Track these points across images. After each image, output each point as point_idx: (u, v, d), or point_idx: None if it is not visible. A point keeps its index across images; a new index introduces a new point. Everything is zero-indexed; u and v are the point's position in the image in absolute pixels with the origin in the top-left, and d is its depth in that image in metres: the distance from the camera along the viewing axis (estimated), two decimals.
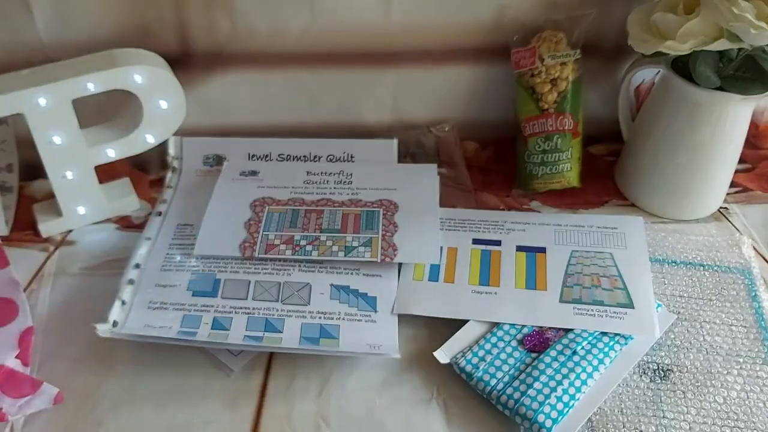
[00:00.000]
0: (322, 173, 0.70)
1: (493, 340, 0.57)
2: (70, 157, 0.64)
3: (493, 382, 0.54)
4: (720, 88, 0.62)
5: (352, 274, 0.62)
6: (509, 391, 0.53)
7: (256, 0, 0.67)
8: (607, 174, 0.76)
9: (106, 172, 0.68)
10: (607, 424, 0.53)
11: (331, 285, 0.61)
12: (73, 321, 0.59)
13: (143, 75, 0.63)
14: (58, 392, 0.53)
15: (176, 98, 0.66)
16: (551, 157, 0.69)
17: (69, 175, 0.65)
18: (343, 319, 0.58)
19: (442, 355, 0.56)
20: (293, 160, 0.73)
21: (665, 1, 0.63)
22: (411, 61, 0.72)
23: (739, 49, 0.62)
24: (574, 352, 0.55)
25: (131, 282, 0.60)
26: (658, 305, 0.60)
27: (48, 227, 0.67)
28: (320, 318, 0.58)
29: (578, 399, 0.53)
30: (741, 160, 0.70)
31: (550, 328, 0.58)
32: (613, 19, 0.71)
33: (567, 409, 0.52)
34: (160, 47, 0.67)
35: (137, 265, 0.61)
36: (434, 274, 0.62)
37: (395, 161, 0.73)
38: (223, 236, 0.63)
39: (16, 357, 0.55)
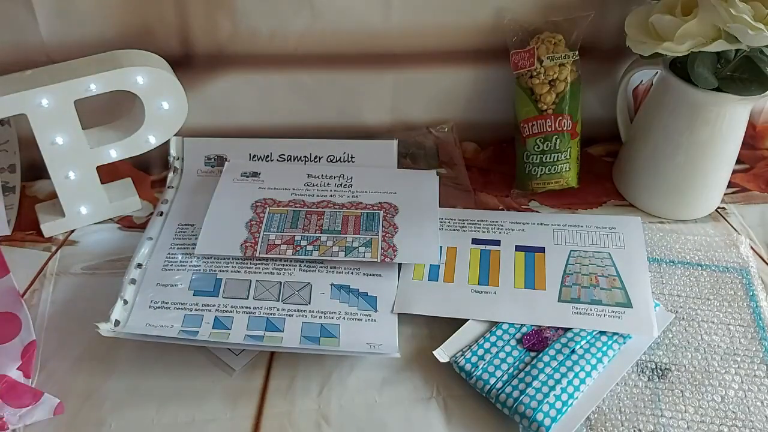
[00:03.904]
0: (322, 176, 0.71)
1: (493, 339, 0.57)
2: (73, 157, 0.65)
3: (493, 380, 0.54)
4: (718, 89, 0.63)
5: (352, 273, 0.62)
6: (508, 389, 0.54)
7: (257, 1, 0.67)
8: (606, 174, 0.77)
9: (108, 173, 0.69)
10: (605, 422, 0.53)
11: (332, 284, 0.61)
12: (75, 320, 0.59)
13: (145, 76, 0.63)
14: (58, 403, 0.53)
15: (178, 99, 0.66)
16: (550, 157, 0.70)
17: (71, 175, 0.65)
18: (344, 318, 0.59)
19: (442, 354, 0.57)
20: (294, 160, 0.73)
21: (663, 2, 0.63)
22: (411, 62, 0.73)
23: (737, 50, 0.62)
24: (573, 351, 0.56)
25: (133, 281, 0.60)
26: (656, 305, 0.60)
27: (50, 227, 0.68)
28: (321, 317, 0.59)
29: (577, 398, 0.53)
30: (738, 161, 0.70)
31: (548, 327, 0.58)
32: (611, 21, 0.71)
33: (566, 407, 0.53)
34: (162, 48, 0.67)
35: (139, 265, 0.62)
36: (434, 273, 0.63)
37: (395, 162, 0.73)
38: (224, 236, 0.63)
39: (18, 369, 0.55)
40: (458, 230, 0.67)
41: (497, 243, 0.65)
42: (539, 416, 0.52)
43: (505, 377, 0.55)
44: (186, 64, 0.70)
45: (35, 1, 0.64)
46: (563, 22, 0.70)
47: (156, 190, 0.74)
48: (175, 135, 0.69)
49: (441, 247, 0.64)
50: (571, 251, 0.64)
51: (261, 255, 0.62)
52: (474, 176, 0.76)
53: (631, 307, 0.59)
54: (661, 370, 0.57)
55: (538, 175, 0.70)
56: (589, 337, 0.57)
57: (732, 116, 0.65)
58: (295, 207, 0.67)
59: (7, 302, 0.60)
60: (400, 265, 0.63)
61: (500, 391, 0.54)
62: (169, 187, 0.71)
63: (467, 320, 0.59)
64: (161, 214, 0.67)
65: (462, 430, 0.53)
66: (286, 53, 0.71)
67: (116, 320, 0.57)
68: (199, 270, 0.62)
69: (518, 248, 0.65)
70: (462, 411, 0.55)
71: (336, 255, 0.62)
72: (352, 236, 0.63)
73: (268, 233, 0.64)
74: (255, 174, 0.71)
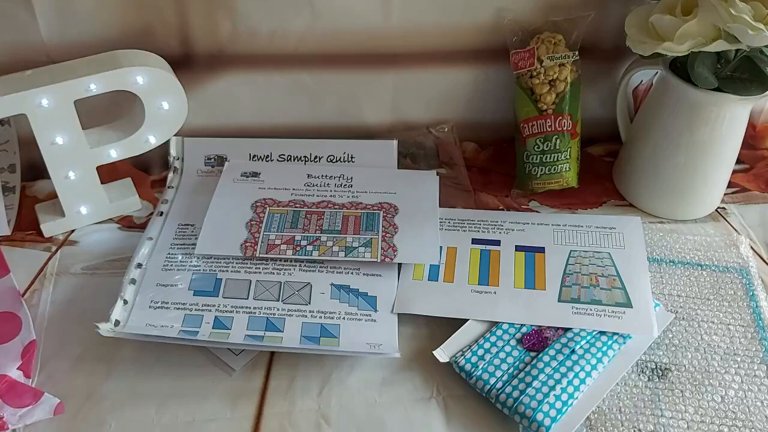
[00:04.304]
0: (322, 176, 0.71)
1: (492, 339, 0.57)
2: (73, 157, 0.65)
3: (493, 380, 0.54)
4: (718, 89, 0.63)
5: (352, 273, 0.62)
6: (508, 389, 0.54)
7: (257, 1, 0.67)
8: (606, 174, 0.77)
9: (108, 173, 0.69)
10: (605, 422, 0.53)
11: (332, 284, 0.61)
12: (75, 320, 0.59)
13: (145, 76, 0.63)
14: (58, 403, 0.53)
15: (178, 99, 0.66)
16: (550, 157, 0.70)
17: (71, 175, 0.65)
18: (344, 318, 0.59)
19: (442, 354, 0.57)
20: (294, 160, 0.73)
21: (663, 2, 0.63)
22: (411, 62, 0.73)
23: (737, 50, 0.62)
24: (573, 351, 0.56)
25: (133, 281, 0.60)
26: (656, 305, 0.60)
27: (50, 227, 0.68)
28: (321, 317, 0.59)
29: (577, 398, 0.53)
30: (738, 161, 0.70)
31: (548, 327, 0.58)
32: (611, 21, 0.71)
33: (566, 407, 0.53)
34: (162, 48, 0.67)
35: (139, 265, 0.62)
36: (434, 273, 0.63)
37: (395, 162, 0.73)
38: (224, 236, 0.63)
39: (19, 368, 0.55)
40: (458, 230, 0.67)
41: (497, 243, 0.65)
42: (539, 416, 0.52)
43: (505, 377, 0.55)
44: (186, 64, 0.70)
45: (35, 1, 0.64)
46: (563, 22, 0.70)
47: (156, 190, 0.74)
48: (175, 135, 0.69)
49: (441, 247, 0.64)
50: (571, 251, 0.64)
51: (261, 255, 0.62)
52: (474, 176, 0.76)
53: (631, 307, 0.59)
54: (661, 370, 0.57)
55: (538, 175, 0.70)
56: (589, 337, 0.57)
57: (732, 116, 0.65)
58: (295, 207, 0.67)
59: (7, 302, 0.60)
60: (400, 265, 0.63)
61: (500, 391, 0.54)
62: (169, 187, 0.71)
63: (467, 320, 0.59)
64: (161, 214, 0.67)
65: (462, 430, 0.53)
66: (286, 53, 0.71)
67: (116, 320, 0.57)
68: (199, 270, 0.62)
69: (518, 248, 0.65)
70: (462, 411, 0.55)
71: (336, 255, 0.62)
72: (352, 236, 0.63)
73: (268, 233, 0.64)
74: (255, 174, 0.71)
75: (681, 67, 0.65)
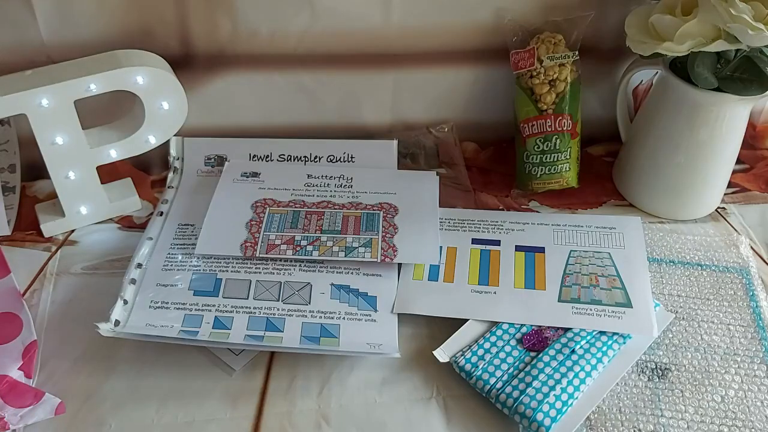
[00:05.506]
0: (322, 176, 0.71)
1: (492, 339, 0.57)
2: (73, 157, 0.65)
3: (493, 380, 0.54)
4: (718, 89, 0.63)
5: (352, 273, 0.62)
6: (508, 389, 0.54)
7: (257, 1, 0.67)
8: (606, 174, 0.77)
9: (108, 173, 0.69)
10: (605, 422, 0.53)
11: (332, 284, 0.61)
12: (75, 320, 0.59)
13: (145, 76, 0.63)
14: (59, 403, 0.53)
15: (178, 99, 0.66)
16: (550, 157, 0.70)
17: (71, 175, 0.65)
18: (344, 318, 0.59)
19: (442, 354, 0.57)
20: (294, 160, 0.73)
21: (663, 2, 0.63)
22: (411, 62, 0.73)
23: (737, 50, 0.62)
24: (573, 351, 0.56)
25: (133, 281, 0.60)
26: (656, 304, 0.60)
27: (50, 227, 0.68)
28: (321, 317, 0.59)
29: (577, 398, 0.53)
30: (739, 161, 0.70)
31: (548, 327, 0.58)
32: (611, 21, 0.71)
33: (566, 407, 0.53)
34: (162, 48, 0.67)
35: (139, 265, 0.62)
36: (434, 273, 0.63)
37: (395, 162, 0.73)
38: (224, 236, 0.64)
39: (20, 369, 0.55)
40: (458, 230, 0.67)
41: (497, 243, 0.65)
42: (539, 416, 0.52)
43: (505, 377, 0.55)
44: (186, 64, 0.70)
45: (35, 1, 0.64)
46: (563, 22, 0.70)
47: (156, 190, 0.74)
48: (175, 135, 0.69)
49: (441, 247, 0.64)
50: (571, 251, 0.64)
51: (261, 255, 0.62)
52: (474, 176, 0.76)
53: (631, 307, 0.59)
54: (661, 370, 0.57)
55: (538, 175, 0.70)
56: (589, 337, 0.57)
57: (732, 116, 0.65)
58: (295, 207, 0.67)
59: (8, 303, 0.60)
60: (400, 265, 0.63)
61: (500, 391, 0.54)
62: (169, 187, 0.71)
63: (467, 320, 0.59)
64: (161, 214, 0.67)
65: (462, 430, 0.53)
66: (286, 53, 0.71)
67: (116, 320, 0.57)
68: (199, 270, 0.62)
69: (518, 248, 0.65)
70: (462, 411, 0.55)
71: (336, 255, 0.62)
72: (352, 236, 0.64)
73: (268, 233, 0.64)
74: (255, 174, 0.71)
75: (681, 67, 0.65)
